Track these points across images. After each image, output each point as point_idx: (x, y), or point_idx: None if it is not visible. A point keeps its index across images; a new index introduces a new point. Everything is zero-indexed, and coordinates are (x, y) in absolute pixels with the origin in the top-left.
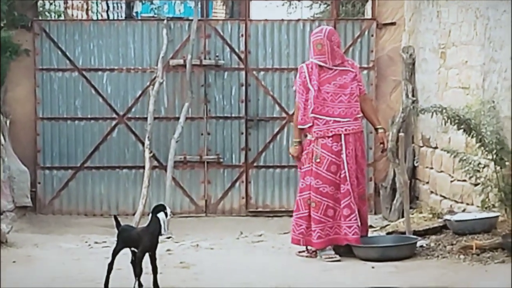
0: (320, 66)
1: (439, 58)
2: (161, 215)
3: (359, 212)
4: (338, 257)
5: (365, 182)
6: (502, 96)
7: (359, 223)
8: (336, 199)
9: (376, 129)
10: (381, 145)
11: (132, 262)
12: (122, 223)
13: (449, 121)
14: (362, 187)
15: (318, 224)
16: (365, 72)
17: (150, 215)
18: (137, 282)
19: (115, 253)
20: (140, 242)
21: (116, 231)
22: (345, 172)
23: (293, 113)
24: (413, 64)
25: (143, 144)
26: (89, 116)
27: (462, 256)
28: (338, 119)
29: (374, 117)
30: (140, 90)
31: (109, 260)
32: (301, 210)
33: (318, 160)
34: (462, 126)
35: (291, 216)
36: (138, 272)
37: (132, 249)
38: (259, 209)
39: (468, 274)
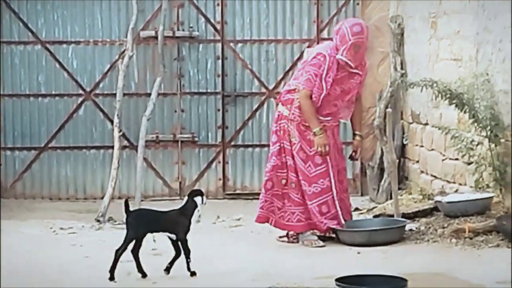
0: (340, 64)
1: (429, 28)
2: (198, 199)
3: (343, 203)
4: (321, 243)
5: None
6: (496, 68)
7: (342, 220)
8: (303, 191)
9: (355, 134)
10: (353, 153)
11: (133, 250)
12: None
13: (440, 95)
14: (345, 181)
15: (299, 207)
16: None
17: (186, 197)
18: (188, 261)
19: (129, 239)
20: (178, 226)
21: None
22: (326, 166)
23: (274, 89)
24: (402, 34)
25: (112, 122)
26: (53, 93)
27: (454, 240)
28: (326, 118)
29: (358, 122)
30: (109, 64)
31: (120, 246)
32: (275, 187)
33: (292, 140)
34: (454, 101)
35: None
36: (187, 253)
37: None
38: (237, 192)
39: (460, 259)
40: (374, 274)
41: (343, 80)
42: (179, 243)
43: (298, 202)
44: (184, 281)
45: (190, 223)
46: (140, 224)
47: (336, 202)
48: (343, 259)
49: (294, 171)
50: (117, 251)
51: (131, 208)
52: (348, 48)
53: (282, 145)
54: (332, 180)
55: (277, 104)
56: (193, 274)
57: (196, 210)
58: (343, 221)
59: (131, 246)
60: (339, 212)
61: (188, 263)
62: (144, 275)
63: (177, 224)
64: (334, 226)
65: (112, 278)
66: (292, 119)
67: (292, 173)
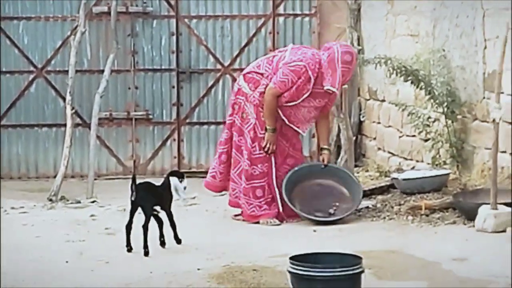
0: (317, 80)
1: (386, 4)
2: (173, 180)
3: None
4: (277, 221)
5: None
6: (453, 44)
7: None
8: (246, 170)
9: (322, 149)
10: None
11: (128, 225)
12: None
13: (394, 72)
14: (301, 159)
15: (233, 183)
16: (306, 19)
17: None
18: (176, 232)
19: (148, 211)
20: (167, 200)
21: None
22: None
23: (229, 65)
24: (359, 10)
25: (64, 99)
26: (3, 70)
27: (410, 217)
28: (285, 119)
29: (326, 136)
30: (60, 40)
31: (144, 222)
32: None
33: (244, 116)
34: (409, 78)
35: None
36: (174, 225)
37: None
38: (193, 170)
39: (417, 236)
40: (328, 252)
41: (316, 95)
42: (167, 216)
43: (233, 180)
44: (136, 261)
45: (171, 197)
46: (148, 196)
47: (276, 189)
48: (298, 237)
49: (237, 148)
50: (143, 226)
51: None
52: (339, 72)
53: (234, 119)
54: (274, 168)
55: (233, 78)
56: (179, 242)
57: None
58: (280, 208)
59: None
60: (277, 197)
61: (176, 233)
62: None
63: (166, 199)
64: (263, 217)
65: (146, 253)
66: (251, 101)
67: (234, 149)
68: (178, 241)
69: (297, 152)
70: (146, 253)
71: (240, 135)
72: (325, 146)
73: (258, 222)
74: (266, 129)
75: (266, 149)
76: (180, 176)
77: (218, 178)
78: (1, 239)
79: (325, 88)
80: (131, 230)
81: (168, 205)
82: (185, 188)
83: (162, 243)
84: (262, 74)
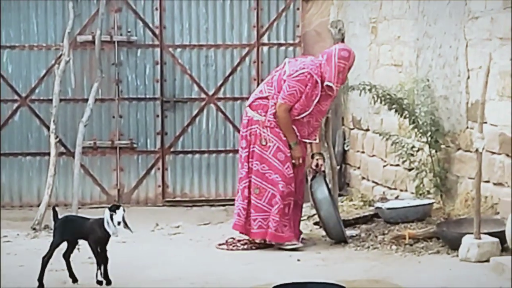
0: (322, 84)
1: (370, 33)
2: (106, 213)
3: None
4: (300, 244)
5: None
6: (436, 74)
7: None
8: (281, 191)
9: (315, 153)
10: (317, 173)
11: (64, 255)
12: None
13: (379, 100)
14: (301, 195)
15: (261, 213)
16: (290, 48)
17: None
18: (98, 271)
19: (54, 245)
20: (92, 233)
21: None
22: (293, 173)
23: (213, 94)
24: (343, 40)
25: (48, 128)
26: None
27: (394, 247)
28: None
29: (317, 132)
30: (45, 69)
31: (47, 253)
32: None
33: (264, 143)
34: (393, 106)
35: (211, 205)
36: (100, 261)
37: (78, 240)
38: (177, 199)
39: (400, 265)
40: (312, 281)
41: (321, 100)
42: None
43: (261, 209)
44: None
45: (104, 233)
46: (66, 230)
47: (297, 208)
48: (282, 266)
49: (261, 176)
50: (43, 258)
51: (60, 216)
52: (334, 71)
53: (252, 150)
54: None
55: (217, 107)
56: (99, 283)
57: (107, 222)
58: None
59: (62, 251)
60: (299, 218)
61: (97, 272)
62: (74, 280)
63: (90, 232)
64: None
65: (41, 286)
66: (267, 125)
67: (257, 178)
68: (98, 281)
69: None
70: (40, 286)
71: (262, 163)
72: (318, 151)
73: (283, 245)
74: (289, 146)
75: (294, 165)
76: (114, 209)
77: (243, 215)
78: None
79: (324, 84)
80: (69, 262)
81: (92, 238)
82: (119, 223)
83: (99, 282)
84: (267, 98)
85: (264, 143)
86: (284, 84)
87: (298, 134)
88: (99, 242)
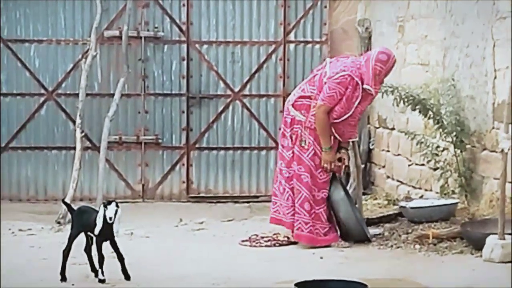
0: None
1: (397, 32)
2: (101, 207)
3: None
4: (347, 244)
5: None
6: (463, 73)
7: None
8: (313, 195)
9: (341, 148)
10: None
11: (86, 249)
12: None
13: (402, 101)
14: None
15: (296, 215)
16: (317, 46)
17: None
18: (100, 271)
19: (71, 238)
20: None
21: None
22: (328, 176)
23: (239, 91)
24: (369, 38)
25: (74, 122)
26: (14, 92)
27: (417, 246)
28: (339, 138)
29: (357, 130)
30: (71, 63)
31: (66, 246)
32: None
33: (303, 145)
34: (417, 107)
35: (235, 202)
36: (100, 260)
37: (89, 234)
38: (201, 195)
39: (424, 265)
40: (333, 279)
41: (361, 101)
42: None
43: (296, 211)
44: (142, 285)
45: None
46: (79, 221)
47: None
48: (305, 264)
49: (297, 177)
50: (63, 251)
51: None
52: (372, 73)
53: (294, 150)
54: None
55: (243, 104)
56: (102, 281)
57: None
58: (338, 229)
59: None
60: (334, 218)
61: (100, 270)
62: (96, 274)
63: (95, 225)
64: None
65: (63, 279)
66: (308, 126)
67: (295, 179)
68: (100, 280)
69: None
70: (62, 279)
71: (299, 164)
72: (344, 146)
73: (328, 246)
74: (323, 150)
75: (325, 169)
76: (106, 204)
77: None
78: (6, 260)
79: (363, 87)
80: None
81: (104, 232)
82: (110, 218)
83: (125, 275)
84: (310, 97)
85: (303, 145)
86: (324, 85)
87: (339, 136)
88: (104, 236)
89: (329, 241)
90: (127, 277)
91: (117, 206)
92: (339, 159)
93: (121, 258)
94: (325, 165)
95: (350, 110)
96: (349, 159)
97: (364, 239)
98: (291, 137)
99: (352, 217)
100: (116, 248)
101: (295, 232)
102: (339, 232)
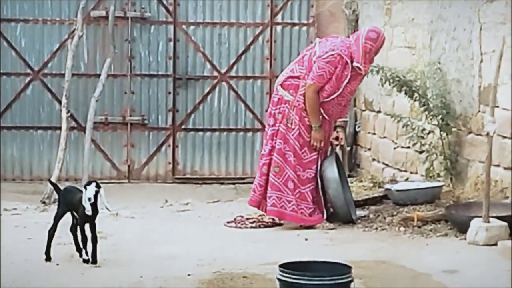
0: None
1: (384, 15)
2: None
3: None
4: (332, 225)
5: None
6: (450, 57)
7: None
8: (298, 175)
9: (337, 126)
10: (336, 145)
11: (71, 229)
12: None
13: (387, 82)
14: None
15: (277, 191)
16: (304, 28)
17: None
18: (84, 251)
19: (57, 217)
20: (80, 207)
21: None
22: (316, 155)
23: (226, 72)
24: (357, 21)
25: (60, 102)
26: (0, 72)
27: (402, 228)
28: (327, 118)
29: (348, 110)
30: (58, 43)
31: (51, 226)
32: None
33: (290, 124)
34: (403, 88)
35: (221, 183)
36: (85, 239)
37: (74, 213)
38: (187, 176)
39: (408, 247)
40: (318, 260)
41: (351, 80)
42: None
43: (277, 187)
44: (126, 265)
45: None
46: (65, 201)
47: (320, 190)
48: (290, 245)
49: (282, 155)
50: (49, 231)
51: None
52: (361, 52)
53: (277, 128)
54: (318, 169)
55: (229, 85)
56: (86, 261)
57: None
58: (324, 210)
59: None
60: (322, 199)
61: (84, 250)
62: (80, 253)
63: (79, 205)
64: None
65: (48, 259)
66: (296, 105)
67: (279, 157)
68: (84, 260)
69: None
70: (47, 259)
71: (285, 142)
72: (341, 124)
73: (311, 227)
74: (311, 128)
75: (314, 147)
76: (86, 185)
77: (258, 191)
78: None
79: (353, 65)
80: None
81: (81, 213)
82: (89, 199)
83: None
84: (298, 77)
85: (289, 124)
86: (314, 64)
87: (327, 115)
88: (86, 217)
89: (313, 222)
90: (94, 261)
91: (98, 186)
92: (336, 138)
93: (95, 241)
94: (315, 143)
95: (339, 89)
96: (345, 138)
97: (349, 221)
98: (275, 116)
99: (341, 197)
100: (94, 229)
101: (268, 208)
102: (325, 214)
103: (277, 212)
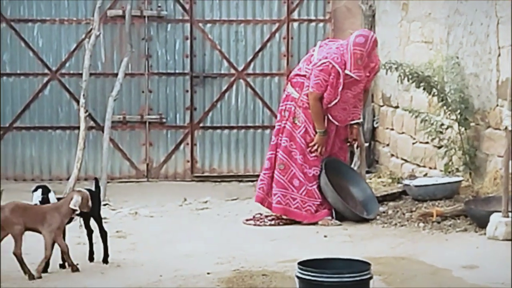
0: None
1: (400, 10)
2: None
3: None
4: (338, 222)
5: None
6: (467, 51)
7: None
8: (304, 173)
9: (353, 123)
10: (352, 141)
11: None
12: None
13: (406, 78)
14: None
15: (281, 189)
16: (321, 25)
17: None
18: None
19: None
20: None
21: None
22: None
23: (243, 70)
24: (373, 16)
25: (78, 102)
26: (18, 72)
27: (421, 224)
28: (336, 123)
29: (359, 111)
30: (75, 43)
31: None
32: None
33: (296, 122)
34: (421, 84)
35: (239, 181)
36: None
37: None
38: (205, 174)
39: (427, 243)
40: (337, 257)
41: (350, 85)
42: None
43: (282, 184)
44: (146, 264)
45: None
46: None
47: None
48: (309, 242)
49: (288, 153)
50: None
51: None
52: (351, 59)
53: (283, 125)
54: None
55: (247, 83)
56: (62, 266)
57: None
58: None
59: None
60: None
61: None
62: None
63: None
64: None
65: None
66: (300, 105)
67: (284, 154)
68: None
69: (343, 144)
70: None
71: (291, 140)
72: (356, 121)
73: (316, 223)
74: (316, 132)
75: (313, 150)
76: (33, 190)
77: (265, 190)
78: (7, 241)
79: (345, 72)
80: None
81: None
82: (35, 205)
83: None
84: (304, 76)
85: (296, 122)
86: (312, 72)
87: (336, 121)
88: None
89: (317, 218)
90: (63, 266)
91: (47, 191)
92: (351, 132)
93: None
94: (316, 147)
95: (336, 96)
96: (362, 135)
97: (360, 219)
98: (282, 112)
99: (339, 200)
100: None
101: (274, 205)
102: (333, 213)
103: (283, 209)
